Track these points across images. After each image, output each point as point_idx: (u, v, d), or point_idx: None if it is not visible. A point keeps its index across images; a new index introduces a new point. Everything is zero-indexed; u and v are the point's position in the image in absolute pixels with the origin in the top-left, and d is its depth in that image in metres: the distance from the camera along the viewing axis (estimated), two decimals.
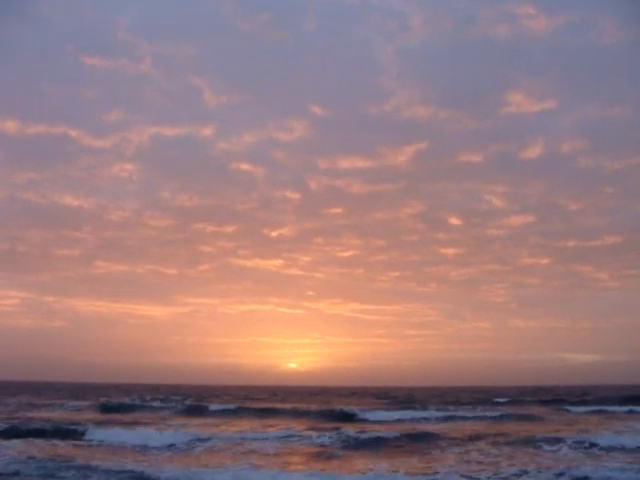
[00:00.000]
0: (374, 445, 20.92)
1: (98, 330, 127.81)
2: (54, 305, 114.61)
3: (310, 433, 23.85)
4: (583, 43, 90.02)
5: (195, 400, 53.50)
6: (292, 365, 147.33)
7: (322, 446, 20.77)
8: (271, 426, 27.51)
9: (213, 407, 40.56)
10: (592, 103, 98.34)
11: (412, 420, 32.13)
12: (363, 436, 22.70)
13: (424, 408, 41.29)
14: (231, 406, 41.26)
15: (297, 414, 36.60)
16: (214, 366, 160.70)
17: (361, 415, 34.07)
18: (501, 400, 54.05)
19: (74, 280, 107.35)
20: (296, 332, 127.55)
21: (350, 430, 24.24)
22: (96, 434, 22.97)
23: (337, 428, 25.04)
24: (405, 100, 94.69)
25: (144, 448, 20.07)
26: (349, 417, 33.48)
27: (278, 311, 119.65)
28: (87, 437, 22.60)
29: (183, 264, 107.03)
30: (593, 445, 19.90)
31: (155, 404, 45.26)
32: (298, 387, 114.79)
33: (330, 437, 22.28)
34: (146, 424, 27.70)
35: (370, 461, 17.43)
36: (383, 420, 32.06)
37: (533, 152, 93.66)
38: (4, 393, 63.40)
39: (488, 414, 34.62)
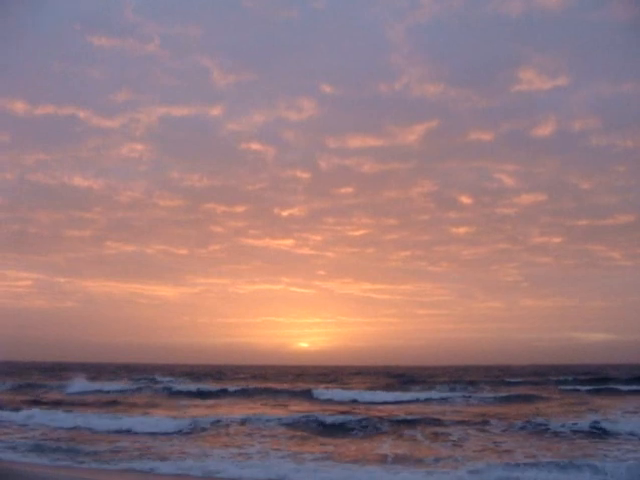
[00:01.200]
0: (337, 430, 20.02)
1: (109, 310, 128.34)
2: (66, 286, 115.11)
3: (273, 414, 23.24)
4: (596, 19, 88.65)
5: (192, 379, 53.74)
6: (303, 345, 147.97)
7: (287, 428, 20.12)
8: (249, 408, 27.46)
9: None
10: (605, 80, 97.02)
11: (404, 402, 31.49)
12: (329, 420, 21.53)
13: (427, 388, 40.86)
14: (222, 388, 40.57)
15: (274, 393, 36.59)
16: (225, 346, 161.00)
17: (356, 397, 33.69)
18: (511, 380, 53.25)
19: (85, 261, 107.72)
20: (307, 312, 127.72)
21: (320, 413, 23.83)
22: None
23: (310, 411, 24.72)
24: (415, 78, 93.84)
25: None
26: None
27: (289, 291, 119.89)
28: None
29: (193, 244, 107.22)
30: (596, 429, 18.77)
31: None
32: (308, 366, 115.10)
33: (294, 419, 21.49)
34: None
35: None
36: (377, 402, 31.60)
37: (544, 130, 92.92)
38: (25, 373, 64.04)
39: (490, 395, 34.03)
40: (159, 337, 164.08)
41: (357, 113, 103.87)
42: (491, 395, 33.29)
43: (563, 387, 40.74)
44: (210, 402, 31.60)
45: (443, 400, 31.07)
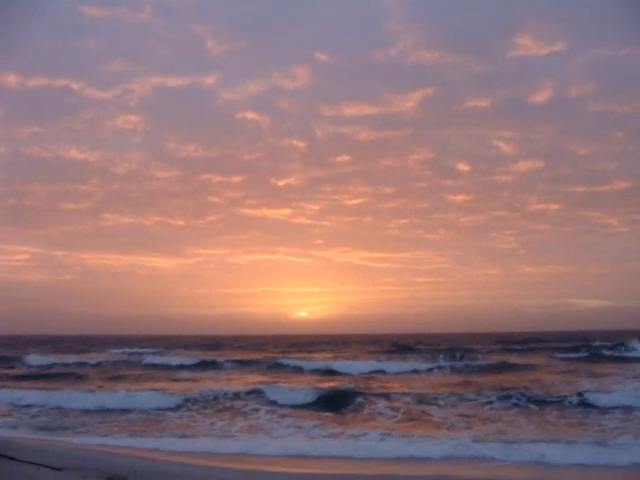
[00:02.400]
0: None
1: (108, 283, 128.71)
2: (64, 259, 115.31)
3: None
4: None
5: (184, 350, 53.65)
6: (302, 314, 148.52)
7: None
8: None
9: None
10: (602, 45, 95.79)
11: (378, 372, 31.25)
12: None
13: (415, 357, 41.30)
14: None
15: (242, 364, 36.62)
16: (224, 316, 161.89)
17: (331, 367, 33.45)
18: (507, 348, 52.80)
19: (82, 234, 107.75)
20: (305, 281, 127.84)
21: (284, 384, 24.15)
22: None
23: (275, 382, 25.09)
24: (411, 45, 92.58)
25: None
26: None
27: (287, 260, 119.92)
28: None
29: (191, 215, 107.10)
30: (582, 401, 18.43)
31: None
32: (304, 335, 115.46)
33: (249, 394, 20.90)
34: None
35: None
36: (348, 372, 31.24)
37: (541, 96, 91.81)
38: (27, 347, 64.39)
39: (472, 363, 34.07)
40: (158, 308, 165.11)
41: (352, 81, 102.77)
42: (483, 363, 33.29)
43: (559, 355, 40.67)
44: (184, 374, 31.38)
45: (429, 370, 31.13)
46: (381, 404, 18.87)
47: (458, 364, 33.53)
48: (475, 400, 19.44)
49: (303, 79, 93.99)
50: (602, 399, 18.32)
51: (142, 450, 12.15)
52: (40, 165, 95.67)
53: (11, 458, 8.73)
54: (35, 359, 40.82)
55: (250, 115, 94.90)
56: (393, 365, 34.05)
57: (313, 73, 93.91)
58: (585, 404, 18.05)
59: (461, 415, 17.02)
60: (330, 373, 30.90)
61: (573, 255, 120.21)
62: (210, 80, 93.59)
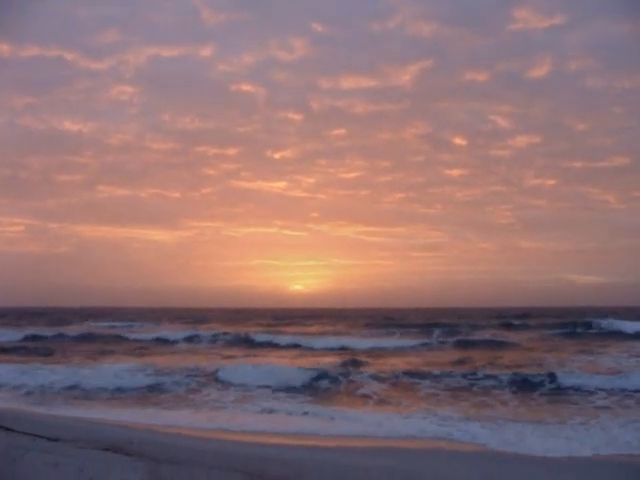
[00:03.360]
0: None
1: (104, 255, 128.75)
2: (59, 231, 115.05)
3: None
4: None
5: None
6: (297, 287, 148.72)
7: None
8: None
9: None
10: (602, 19, 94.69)
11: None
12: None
13: (391, 333, 41.11)
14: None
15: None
16: (220, 289, 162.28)
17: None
18: (501, 322, 52.51)
19: (78, 206, 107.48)
20: (301, 254, 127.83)
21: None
22: None
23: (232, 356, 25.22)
24: (409, 17, 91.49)
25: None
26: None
27: (283, 233, 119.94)
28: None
29: (186, 187, 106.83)
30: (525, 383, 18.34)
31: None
32: (297, 309, 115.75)
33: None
34: None
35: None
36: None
37: (540, 71, 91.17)
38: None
39: (449, 339, 33.83)
40: (154, 280, 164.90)
41: (349, 53, 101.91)
42: (472, 339, 33.31)
43: (547, 332, 40.50)
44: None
45: (415, 347, 31.04)
46: (357, 381, 19.00)
47: (449, 340, 33.51)
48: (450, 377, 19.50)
49: (300, 51, 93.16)
50: (570, 379, 18.41)
51: (137, 423, 12.12)
52: (35, 136, 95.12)
53: (7, 429, 8.67)
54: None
55: (246, 87, 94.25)
56: (369, 342, 34.11)
57: (310, 45, 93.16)
58: (556, 386, 18.02)
59: (433, 394, 17.11)
60: (309, 349, 31.07)
61: (569, 231, 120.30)
62: (206, 51, 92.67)
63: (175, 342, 35.53)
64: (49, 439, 8.23)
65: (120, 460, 7.46)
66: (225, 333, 39.60)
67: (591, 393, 16.78)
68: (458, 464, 9.33)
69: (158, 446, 8.93)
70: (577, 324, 44.69)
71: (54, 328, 46.37)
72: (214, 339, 37.07)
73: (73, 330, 43.39)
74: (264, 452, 9.48)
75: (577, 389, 17.34)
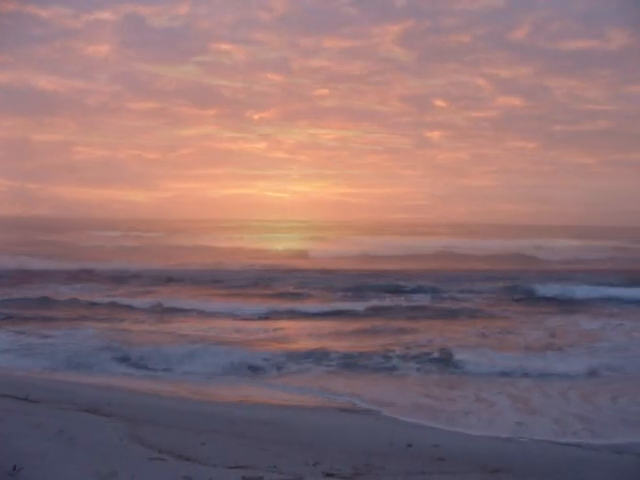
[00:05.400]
0: None
1: (83, 216, 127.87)
2: (38, 192, 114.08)
3: None
4: None
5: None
6: (278, 248, 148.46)
7: None
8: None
9: None
10: None
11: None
12: None
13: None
14: None
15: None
16: (199, 249, 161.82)
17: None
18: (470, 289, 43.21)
19: (56, 167, 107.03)
20: (282, 215, 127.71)
21: None
22: None
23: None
24: None
25: None
26: None
27: (264, 195, 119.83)
28: None
29: (165, 149, 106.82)
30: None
31: None
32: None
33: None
34: None
35: None
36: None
37: (522, 33, 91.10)
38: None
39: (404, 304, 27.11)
40: (132, 240, 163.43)
41: (331, 13, 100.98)
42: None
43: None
44: None
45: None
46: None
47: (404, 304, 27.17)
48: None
49: (280, 10, 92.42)
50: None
51: (116, 385, 12.17)
52: (11, 95, 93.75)
53: None
54: None
55: (225, 46, 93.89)
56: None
57: (290, 4, 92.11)
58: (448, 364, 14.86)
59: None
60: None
61: (550, 194, 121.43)
62: (184, 9, 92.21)
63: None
64: (30, 401, 8.37)
65: (99, 421, 7.62)
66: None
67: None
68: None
69: (137, 407, 9.10)
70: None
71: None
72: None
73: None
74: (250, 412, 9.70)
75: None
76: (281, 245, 66.39)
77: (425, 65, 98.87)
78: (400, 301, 27.97)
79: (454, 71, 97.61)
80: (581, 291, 30.13)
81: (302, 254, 56.57)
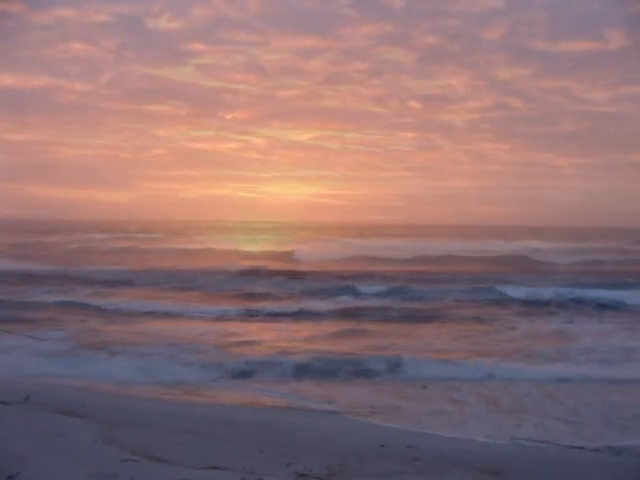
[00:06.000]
0: None
1: (59, 217, 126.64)
2: (15, 192, 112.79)
3: None
4: None
5: None
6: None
7: None
8: None
9: None
10: None
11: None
12: None
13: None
14: None
15: None
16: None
17: None
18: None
19: (31, 167, 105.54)
20: (254, 216, 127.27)
21: None
22: None
23: None
24: None
25: None
26: None
27: (237, 195, 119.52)
28: None
29: (139, 148, 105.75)
30: None
31: None
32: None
33: None
34: None
35: None
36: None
37: (495, 33, 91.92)
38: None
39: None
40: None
41: (304, 12, 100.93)
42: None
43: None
44: None
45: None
46: None
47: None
48: None
49: (252, 10, 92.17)
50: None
51: (90, 385, 12.10)
52: None
53: None
54: None
55: (197, 46, 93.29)
56: None
57: (263, 3, 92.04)
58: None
59: None
60: None
61: (522, 196, 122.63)
62: (155, 8, 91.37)
63: None
64: (2, 402, 8.32)
65: (74, 422, 7.60)
66: None
67: None
68: None
69: (112, 408, 9.08)
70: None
71: None
72: None
73: None
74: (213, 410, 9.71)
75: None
76: (250, 246, 65.80)
77: (397, 66, 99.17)
78: (360, 302, 27.21)
79: (427, 72, 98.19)
80: (549, 293, 29.70)
81: (271, 255, 56.26)
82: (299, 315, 22.76)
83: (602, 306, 26.40)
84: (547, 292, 29.91)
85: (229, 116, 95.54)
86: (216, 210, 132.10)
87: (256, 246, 67.44)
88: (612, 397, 12.03)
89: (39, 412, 8.00)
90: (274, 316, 22.46)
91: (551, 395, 12.10)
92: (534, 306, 26.30)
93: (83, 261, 43.54)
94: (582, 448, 8.49)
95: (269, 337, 18.40)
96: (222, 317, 22.10)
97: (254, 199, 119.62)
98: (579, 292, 29.74)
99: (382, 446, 7.93)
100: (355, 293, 30.21)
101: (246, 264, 45.51)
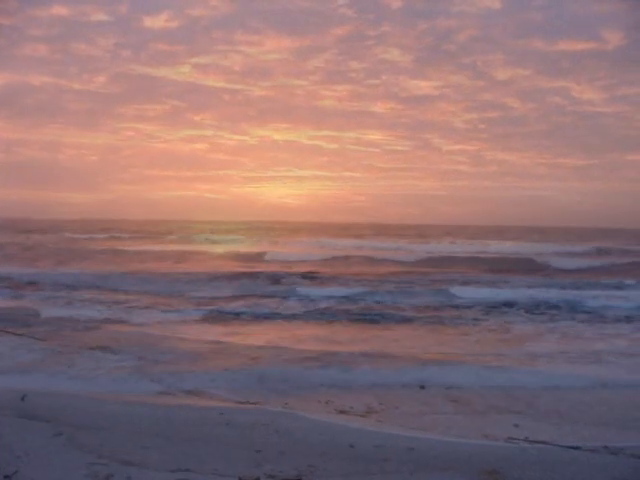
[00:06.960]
0: None
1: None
2: None
3: None
4: None
5: None
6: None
7: None
8: None
9: None
10: None
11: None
12: None
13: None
14: None
15: None
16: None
17: None
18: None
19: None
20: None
21: None
22: None
23: None
24: None
25: None
26: None
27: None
28: None
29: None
30: None
31: None
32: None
33: None
34: None
35: None
36: None
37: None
38: None
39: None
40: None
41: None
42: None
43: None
44: None
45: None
46: None
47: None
48: None
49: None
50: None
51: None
52: None
53: None
54: None
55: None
56: None
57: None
58: None
59: None
60: None
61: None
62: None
63: None
64: None
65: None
66: None
67: None
68: None
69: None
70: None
71: None
72: None
73: None
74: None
75: None
76: (211, 247, 65.40)
77: (365, 65, 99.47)
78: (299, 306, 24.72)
79: (395, 72, 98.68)
80: (505, 294, 29.00)
81: (230, 255, 55.94)
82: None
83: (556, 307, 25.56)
84: (504, 293, 29.17)
85: (198, 117, 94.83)
86: (183, 211, 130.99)
87: (231, 247, 66.76)
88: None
89: (2, 416, 7.88)
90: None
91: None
92: (489, 307, 25.01)
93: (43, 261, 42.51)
94: (578, 448, 8.55)
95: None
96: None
97: (221, 200, 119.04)
98: (533, 292, 29.15)
99: (351, 446, 7.95)
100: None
101: (216, 265, 45.00)
